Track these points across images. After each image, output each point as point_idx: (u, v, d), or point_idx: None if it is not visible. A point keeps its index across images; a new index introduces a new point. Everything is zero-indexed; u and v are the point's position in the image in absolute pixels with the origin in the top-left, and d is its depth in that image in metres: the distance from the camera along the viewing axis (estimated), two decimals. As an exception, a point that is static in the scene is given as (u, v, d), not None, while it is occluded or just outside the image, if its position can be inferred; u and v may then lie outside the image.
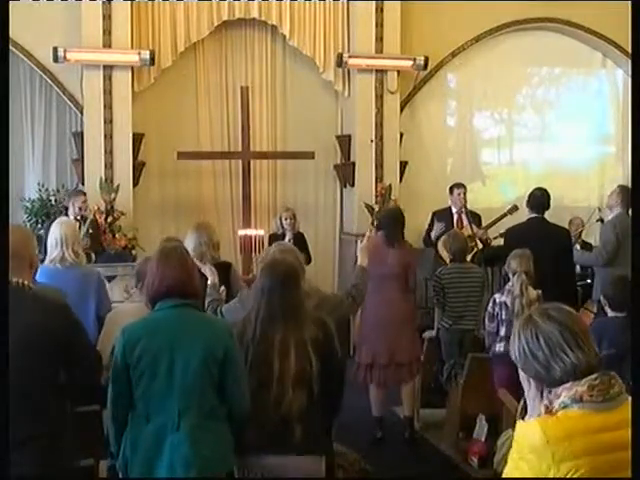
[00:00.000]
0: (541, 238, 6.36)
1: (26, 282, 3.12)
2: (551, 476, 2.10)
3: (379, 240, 6.07)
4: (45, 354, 3.03)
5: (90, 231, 7.42)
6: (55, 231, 5.03)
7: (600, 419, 2.17)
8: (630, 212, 6.87)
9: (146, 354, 3.27)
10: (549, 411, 2.22)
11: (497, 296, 5.57)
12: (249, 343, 3.51)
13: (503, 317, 5.46)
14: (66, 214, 7.53)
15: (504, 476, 2.22)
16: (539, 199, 6.73)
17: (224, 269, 5.28)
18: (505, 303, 5.46)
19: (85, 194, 7.87)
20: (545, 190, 6.79)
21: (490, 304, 5.59)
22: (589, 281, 7.33)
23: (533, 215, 6.71)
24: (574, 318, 2.26)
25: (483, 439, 5.54)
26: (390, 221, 6.19)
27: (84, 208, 7.55)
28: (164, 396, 3.26)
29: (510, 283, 5.51)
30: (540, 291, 5.50)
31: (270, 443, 3.45)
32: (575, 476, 2.10)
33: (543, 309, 2.29)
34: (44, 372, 3.04)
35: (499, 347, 5.50)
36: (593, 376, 2.20)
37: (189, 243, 5.43)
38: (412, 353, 6.14)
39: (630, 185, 6.34)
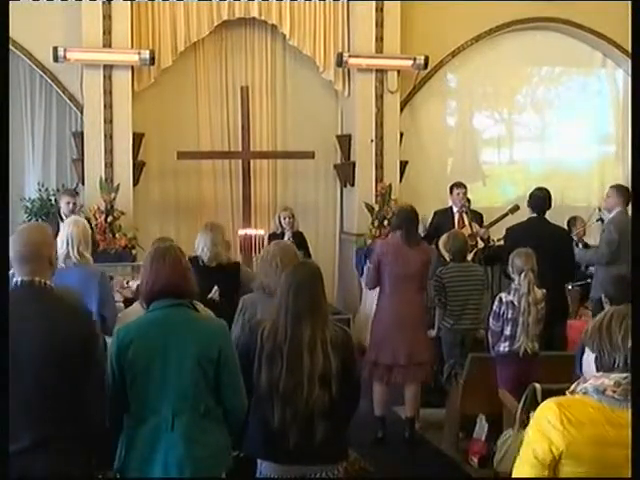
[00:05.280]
0: (541, 238, 6.35)
1: (48, 282, 3.11)
2: (557, 454, 2.20)
3: (397, 240, 6.04)
4: (66, 356, 3.00)
5: None
6: (63, 231, 5.03)
7: (615, 415, 2.21)
8: (629, 210, 6.91)
9: (140, 355, 3.26)
10: (571, 391, 2.30)
11: (503, 295, 5.51)
12: (282, 343, 3.50)
13: (509, 316, 5.40)
14: (59, 214, 7.52)
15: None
16: (539, 199, 6.75)
17: (234, 269, 5.47)
18: (512, 302, 5.40)
19: (73, 194, 7.79)
20: (546, 190, 6.80)
21: (496, 303, 5.52)
22: (589, 281, 7.31)
23: (533, 215, 6.73)
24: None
25: (483, 439, 5.53)
26: (408, 221, 6.09)
27: (71, 209, 7.47)
28: (158, 396, 3.25)
29: (516, 282, 5.46)
30: (545, 290, 5.48)
31: (294, 445, 3.45)
32: (580, 462, 2.19)
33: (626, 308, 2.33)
34: (64, 373, 3.01)
35: (503, 347, 5.46)
36: (623, 375, 2.23)
37: (202, 243, 5.49)
38: (430, 353, 6.14)
39: (630, 185, 6.37)
